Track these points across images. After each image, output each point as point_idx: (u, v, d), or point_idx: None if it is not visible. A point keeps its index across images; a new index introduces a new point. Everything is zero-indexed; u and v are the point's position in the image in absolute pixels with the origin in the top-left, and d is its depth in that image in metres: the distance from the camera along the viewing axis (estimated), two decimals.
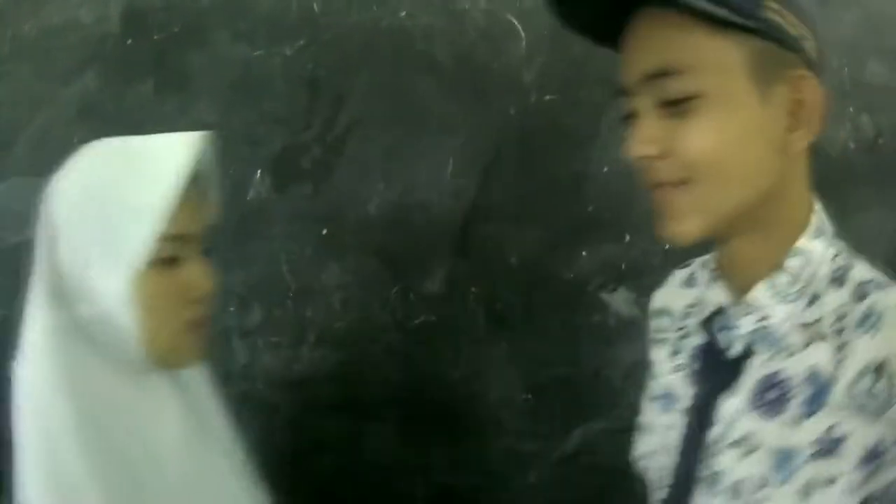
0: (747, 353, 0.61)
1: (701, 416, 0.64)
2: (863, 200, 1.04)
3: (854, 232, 1.06)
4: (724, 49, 0.54)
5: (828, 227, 0.59)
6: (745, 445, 0.59)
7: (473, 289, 0.98)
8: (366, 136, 0.97)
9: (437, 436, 0.89)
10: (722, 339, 0.62)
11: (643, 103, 0.56)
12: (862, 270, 0.58)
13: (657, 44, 0.55)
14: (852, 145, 1.04)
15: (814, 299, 0.58)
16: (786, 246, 0.57)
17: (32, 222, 1.00)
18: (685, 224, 0.56)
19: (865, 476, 0.53)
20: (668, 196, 0.57)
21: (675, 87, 0.54)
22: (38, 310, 0.64)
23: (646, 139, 0.56)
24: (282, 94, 0.97)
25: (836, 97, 1.00)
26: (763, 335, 0.59)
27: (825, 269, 0.58)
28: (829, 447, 0.55)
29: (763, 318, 0.59)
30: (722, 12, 0.52)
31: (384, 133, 0.97)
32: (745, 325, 0.60)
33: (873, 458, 0.54)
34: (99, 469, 0.62)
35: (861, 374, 0.54)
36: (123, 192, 0.63)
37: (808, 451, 0.55)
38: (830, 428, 0.55)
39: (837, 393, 0.54)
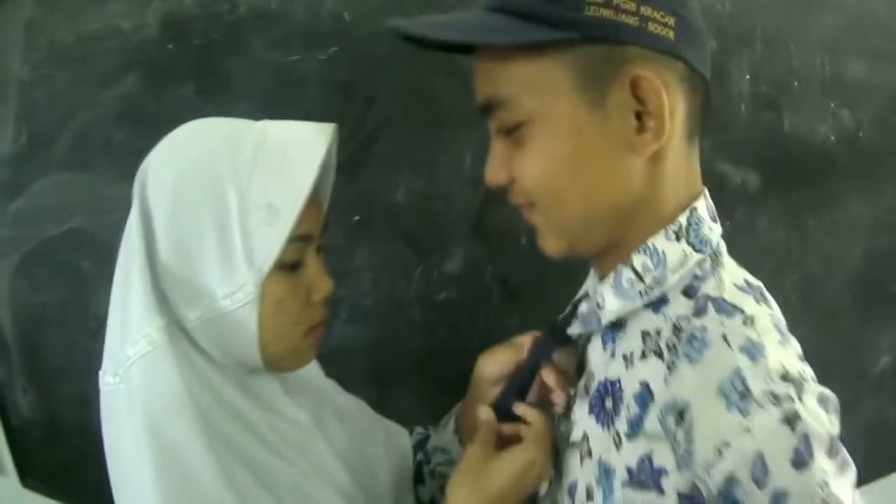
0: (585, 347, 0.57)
1: (516, 389, 0.61)
2: (843, 192, 1.09)
3: (834, 222, 1.10)
4: (545, 70, 0.49)
5: (700, 230, 0.52)
6: (583, 448, 0.54)
7: (489, 267, 1.02)
8: (393, 133, 0.99)
9: (457, 401, 0.88)
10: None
11: (492, 129, 0.53)
12: (718, 285, 0.50)
13: (482, 76, 0.52)
14: (833, 139, 1.08)
15: (660, 304, 0.51)
16: (641, 242, 0.52)
17: (72, 215, 1.00)
18: (547, 242, 0.54)
19: None
20: (526, 216, 0.54)
21: (503, 117, 0.51)
22: (138, 317, 0.54)
23: (494, 167, 0.53)
24: (316, 97, 0.98)
25: (817, 94, 1.07)
26: (587, 319, 0.55)
27: (679, 275, 0.51)
28: (645, 478, 0.47)
29: (595, 310, 0.54)
30: (527, 37, 0.48)
31: (409, 130, 0.99)
32: (582, 308, 0.56)
33: (691, 503, 0.44)
34: (233, 477, 0.54)
35: (667, 410, 0.46)
36: (249, 184, 0.54)
37: (623, 476, 0.49)
38: (646, 458, 0.48)
39: (652, 419, 0.48)
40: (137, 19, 0.98)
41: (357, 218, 0.98)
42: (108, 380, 0.56)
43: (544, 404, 0.63)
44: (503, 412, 0.60)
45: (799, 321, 1.08)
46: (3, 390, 1.06)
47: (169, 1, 0.98)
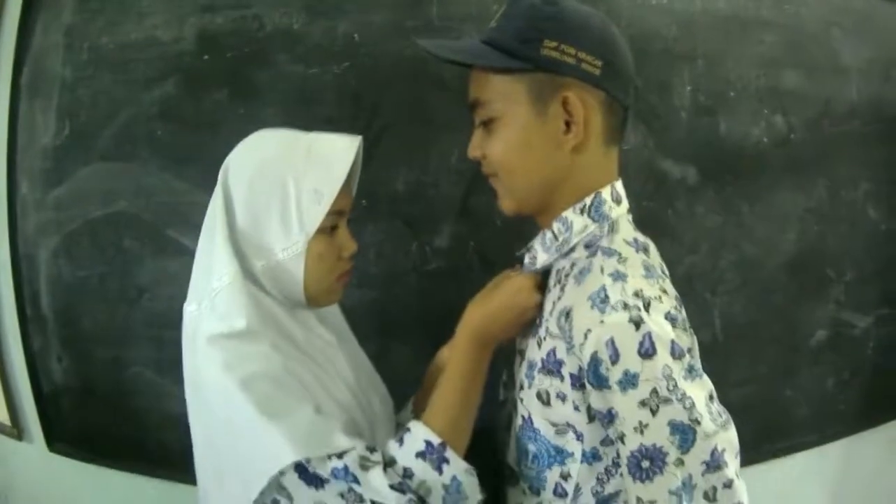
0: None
1: None
2: (775, 186, 1.19)
3: (768, 211, 1.18)
4: (511, 84, 0.65)
5: (601, 208, 0.67)
6: (524, 354, 0.70)
7: (471, 243, 1.12)
8: (394, 134, 1.09)
9: None
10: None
11: (475, 120, 0.71)
12: (610, 240, 0.65)
13: (474, 83, 0.69)
14: (766, 140, 1.17)
15: (570, 253, 0.68)
16: (563, 210, 0.69)
17: (115, 199, 1.10)
18: (503, 202, 0.72)
19: (583, 397, 0.59)
20: (492, 183, 0.72)
21: (482, 113, 0.68)
22: (222, 262, 0.70)
23: (473, 146, 0.71)
24: (331, 104, 1.08)
25: (752, 102, 1.16)
26: (527, 268, 0.73)
27: (582, 236, 0.67)
28: (552, 367, 0.62)
29: (533, 259, 0.72)
30: (502, 63, 0.64)
31: (407, 133, 1.09)
32: (525, 259, 0.74)
33: (578, 382, 0.58)
34: (290, 378, 0.69)
35: (561, 313, 0.62)
36: (303, 176, 0.71)
37: (539, 365, 0.64)
38: (552, 351, 0.63)
39: (553, 323, 0.63)
40: (175, 32, 1.08)
41: (364, 202, 1.07)
42: (191, 308, 0.73)
43: None
44: None
45: (735, 296, 1.20)
46: (37, 359, 1.17)
47: (204, 18, 1.08)
